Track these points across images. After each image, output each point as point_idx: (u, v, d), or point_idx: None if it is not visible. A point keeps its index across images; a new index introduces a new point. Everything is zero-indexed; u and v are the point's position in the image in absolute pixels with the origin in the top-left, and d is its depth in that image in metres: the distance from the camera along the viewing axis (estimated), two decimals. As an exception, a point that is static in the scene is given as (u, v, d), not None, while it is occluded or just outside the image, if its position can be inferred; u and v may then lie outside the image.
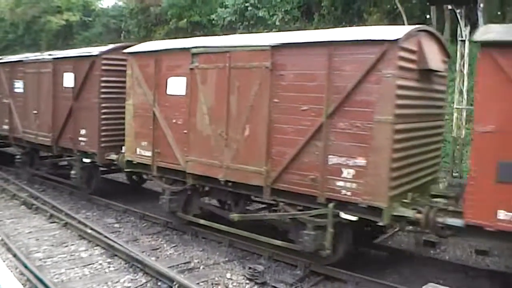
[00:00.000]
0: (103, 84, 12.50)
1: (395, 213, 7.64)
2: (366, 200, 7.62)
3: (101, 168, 13.90)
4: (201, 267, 9.13)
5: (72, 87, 13.27)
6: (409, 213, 7.63)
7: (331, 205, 8.00)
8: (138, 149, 11.18)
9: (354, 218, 7.92)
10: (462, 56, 15.11)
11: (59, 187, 15.11)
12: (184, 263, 9.21)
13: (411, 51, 7.80)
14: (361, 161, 7.64)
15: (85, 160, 13.15)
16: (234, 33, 23.95)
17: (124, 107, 11.51)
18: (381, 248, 10.11)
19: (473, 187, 6.85)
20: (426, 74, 8.33)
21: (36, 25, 38.33)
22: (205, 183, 10.28)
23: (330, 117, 7.96)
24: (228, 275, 8.71)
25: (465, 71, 15.25)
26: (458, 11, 14.75)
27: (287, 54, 8.54)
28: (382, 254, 9.95)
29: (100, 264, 9.12)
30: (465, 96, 15.39)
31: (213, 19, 24.94)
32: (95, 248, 10.01)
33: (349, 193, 7.80)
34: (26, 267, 8.58)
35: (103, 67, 12.51)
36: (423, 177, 8.75)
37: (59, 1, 37.11)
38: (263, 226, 9.60)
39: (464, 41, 14.92)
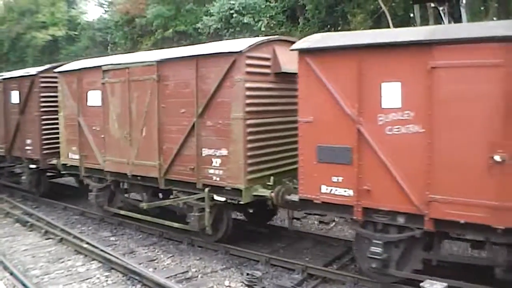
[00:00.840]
0: (42, 99, 14.67)
1: (254, 193, 9.44)
2: (230, 183, 9.46)
3: (48, 173, 15.66)
4: (199, 276, 9.14)
5: (18, 103, 15.54)
6: (265, 192, 9.35)
7: (206, 189, 9.80)
8: (69, 154, 13.30)
9: (222, 199, 9.73)
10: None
11: (54, 204, 15.08)
12: (182, 273, 9.22)
13: (262, 58, 9.63)
14: (224, 151, 9.52)
15: (31, 166, 15.17)
16: (220, 41, 24.10)
17: (61, 119, 13.74)
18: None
19: (302, 168, 8.43)
20: (282, 76, 9.88)
21: (22, 41, 38.23)
22: (121, 179, 11.98)
23: (200, 116, 9.86)
24: (227, 283, 8.73)
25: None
26: (441, 8, 14.87)
27: (168, 67, 10.46)
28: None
29: (98, 278, 9.11)
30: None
31: (199, 28, 24.97)
32: (91, 262, 9.99)
33: (218, 179, 9.66)
34: (23, 284, 8.56)
35: (41, 85, 14.72)
36: (288, 164, 10.07)
37: (44, 17, 37.07)
38: (172, 213, 11.14)
39: (449, 38, 15.01)
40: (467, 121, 6.84)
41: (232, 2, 23.27)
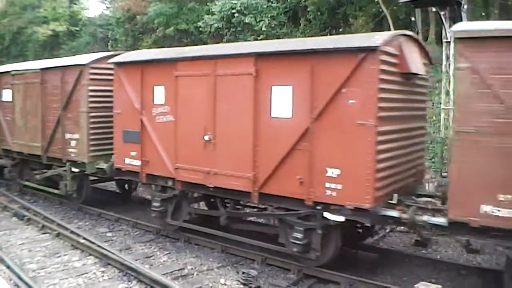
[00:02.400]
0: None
1: (97, 166, 12.73)
2: (79, 158, 12.88)
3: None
4: (195, 274, 9.16)
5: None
6: (103, 165, 12.54)
7: (67, 163, 13.26)
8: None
9: (77, 170, 13.09)
10: (448, 58, 15.25)
11: (51, 198, 15.09)
12: (178, 270, 9.25)
13: (101, 68, 12.66)
14: (77, 135, 12.92)
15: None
16: (222, 40, 24.15)
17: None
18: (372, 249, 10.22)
19: (115, 146, 11.82)
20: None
21: (23, 35, 38.27)
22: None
23: (64, 110, 13.26)
24: (222, 281, 8.76)
25: (451, 72, 15.39)
26: (442, 13, 14.91)
27: (48, 74, 13.90)
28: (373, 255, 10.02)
29: (94, 273, 9.13)
30: (451, 96, 15.52)
31: (200, 27, 24.99)
32: (88, 257, 10.01)
33: (73, 155, 13.05)
34: (20, 278, 8.57)
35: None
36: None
37: (45, 12, 37.07)
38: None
39: (449, 42, 15.06)
40: (194, 114, 9.97)
41: (234, 1, 23.30)
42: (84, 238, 10.81)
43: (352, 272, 8.64)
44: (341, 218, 8.08)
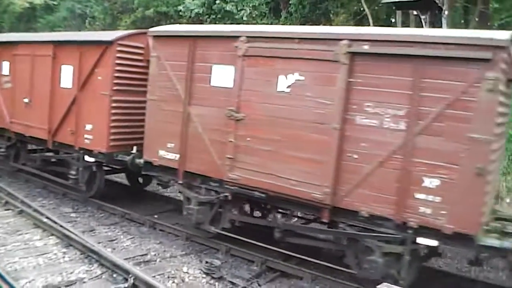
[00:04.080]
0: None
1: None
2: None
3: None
4: (158, 260, 9.10)
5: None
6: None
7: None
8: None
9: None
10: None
11: (16, 175, 14.81)
12: (141, 255, 9.18)
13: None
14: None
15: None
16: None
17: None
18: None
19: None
20: None
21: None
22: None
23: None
24: (185, 269, 8.71)
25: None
26: (423, 17, 15.04)
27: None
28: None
29: (55, 254, 8.97)
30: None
31: (181, 11, 24.74)
32: (50, 237, 9.84)
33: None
34: (-23, 254, 8.40)
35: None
36: None
37: (23, -17, 36.24)
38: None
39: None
40: (21, 82, 13.40)
41: (216, -13, 23.12)
42: (47, 217, 10.63)
43: (315, 267, 8.70)
44: (92, 159, 11.57)
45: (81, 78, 11.52)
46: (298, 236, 9.27)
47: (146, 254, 9.27)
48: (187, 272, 8.59)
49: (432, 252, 7.79)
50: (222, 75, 8.94)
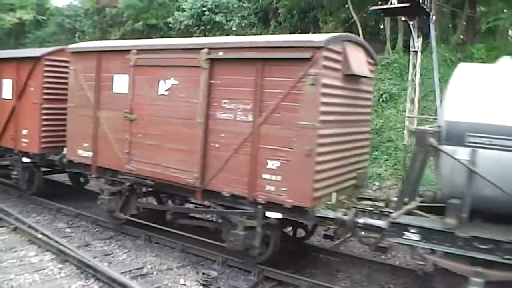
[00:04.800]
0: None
1: None
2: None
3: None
4: (154, 273, 9.07)
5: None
6: None
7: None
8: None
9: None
10: (414, 67, 15.50)
11: (9, 191, 14.76)
12: (137, 269, 9.13)
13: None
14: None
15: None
16: (191, 37, 23.96)
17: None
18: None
19: None
20: None
21: (-12, 23, 37.32)
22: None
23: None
24: (182, 281, 8.69)
25: (417, 81, 15.65)
26: (411, 23, 15.16)
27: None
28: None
29: (51, 269, 8.93)
30: (416, 105, 15.79)
31: (170, 23, 24.84)
32: (45, 253, 9.78)
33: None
34: (-27, 272, 8.37)
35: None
36: None
37: (12, -1, 36.25)
38: None
39: (416, 52, 15.32)
40: None
41: (205, -1, 23.24)
42: (42, 233, 10.59)
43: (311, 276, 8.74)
44: (28, 160, 13.21)
45: (18, 90, 13.29)
46: (187, 217, 10.58)
47: (142, 268, 9.23)
48: (184, 284, 8.57)
49: (296, 225, 9.77)
50: (120, 83, 10.41)
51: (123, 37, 26.95)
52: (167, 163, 9.53)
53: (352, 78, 8.71)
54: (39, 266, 9.05)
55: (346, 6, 23.11)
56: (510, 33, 24.07)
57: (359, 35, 21.92)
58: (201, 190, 9.12)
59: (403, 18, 17.05)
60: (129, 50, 10.10)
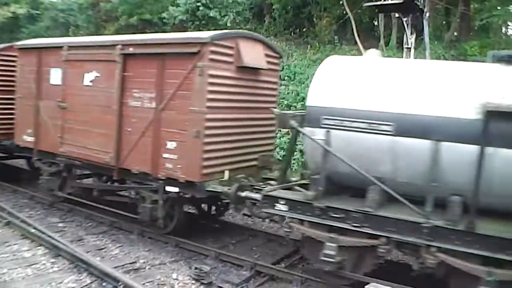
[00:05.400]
0: None
1: None
2: None
3: None
4: (147, 267, 9.10)
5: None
6: None
7: None
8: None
9: None
10: (408, 63, 15.50)
11: (3, 185, 14.73)
12: (130, 263, 9.15)
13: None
14: None
15: None
16: (185, 32, 23.93)
17: None
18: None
19: None
20: None
21: (-19, 16, 37.15)
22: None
23: None
24: (174, 275, 8.72)
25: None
26: (405, 19, 15.16)
27: None
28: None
29: (44, 264, 8.96)
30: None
31: (164, 18, 24.78)
32: (38, 247, 9.80)
33: None
34: (-35, 267, 8.38)
35: None
36: None
37: (6, -7, 36.10)
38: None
39: (410, 48, 15.33)
40: None
41: (199, -6, 23.20)
42: (35, 228, 10.60)
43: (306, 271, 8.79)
44: None
45: None
46: (112, 194, 11.98)
47: (135, 262, 9.26)
48: (176, 279, 8.59)
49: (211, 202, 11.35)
50: (55, 76, 11.84)
51: (117, 32, 26.88)
52: (91, 146, 10.91)
53: (249, 69, 9.83)
54: (32, 261, 9.07)
55: (341, 2, 23.14)
56: (504, 30, 24.18)
57: (353, 31, 22.01)
58: (117, 168, 10.43)
59: (397, 15, 17.06)
60: (62, 47, 11.56)
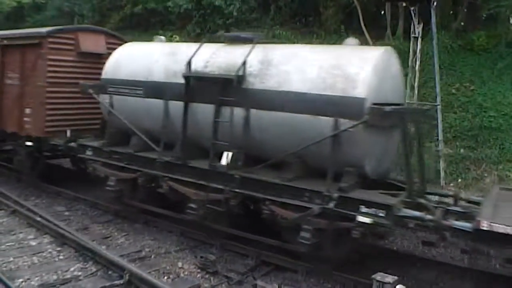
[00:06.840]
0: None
1: None
2: None
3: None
4: (152, 256, 9.12)
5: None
6: None
7: None
8: None
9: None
10: (415, 53, 15.42)
11: (8, 174, 14.75)
12: (135, 252, 9.18)
13: None
14: None
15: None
16: (190, 22, 23.89)
17: None
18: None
19: None
20: None
21: (-13, 6, 37.08)
22: None
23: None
24: (180, 264, 8.73)
25: (417, 68, 15.58)
26: (412, 8, 15.06)
27: None
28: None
29: (50, 252, 8.99)
30: (416, 91, 15.72)
31: (169, 7, 24.67)
32: (44, 236, 9.85)
33: None
34: (-29, 255, 8.40)
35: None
36: None
37: (11, -18, 35.96)
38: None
39: (417, 38, 15.23)
40: None
41: (205, -17, 23.06)
42: (41, 216, 10.61)
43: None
44: None
45: None
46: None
47: (140, 251, 9.28)
48: (182, 268, 8.60)
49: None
50: None
51: (122, 21, 26.84)
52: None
53: (90, 54, 12.87)
54: (37, 249, 9.11)
55: (347, -9, 22.97)
56: (511, 21, 23.95)
57: (359, 20, 21.85)
58: (1, 130, 13.77)
59: (404, 4, 16.95)
60: None
